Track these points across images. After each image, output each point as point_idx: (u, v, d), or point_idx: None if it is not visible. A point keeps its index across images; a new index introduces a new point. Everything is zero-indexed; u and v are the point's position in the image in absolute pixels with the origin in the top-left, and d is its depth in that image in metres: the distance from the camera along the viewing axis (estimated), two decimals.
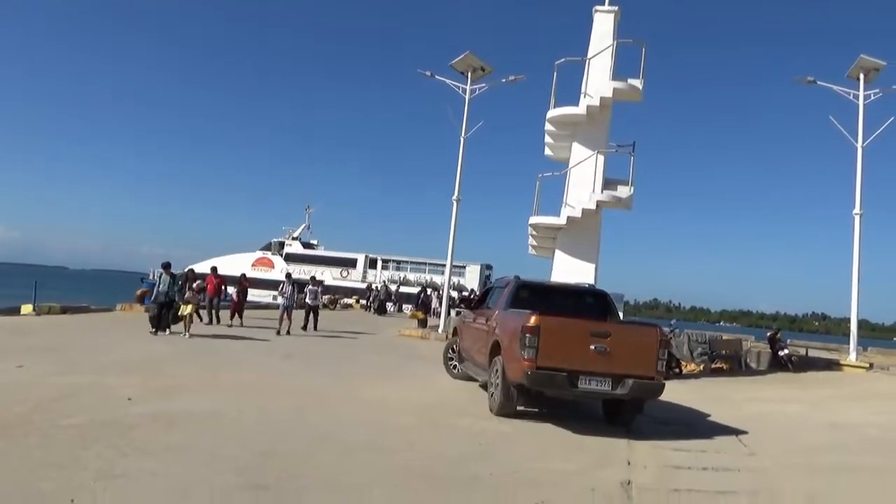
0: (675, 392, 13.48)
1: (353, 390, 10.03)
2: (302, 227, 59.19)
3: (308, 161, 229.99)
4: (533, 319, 8.14)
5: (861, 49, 23.60)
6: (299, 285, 20.57)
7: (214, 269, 20.03)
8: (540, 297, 10.02)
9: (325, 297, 46.31)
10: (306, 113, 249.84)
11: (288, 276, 19.11)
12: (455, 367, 11.96)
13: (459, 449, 6.88)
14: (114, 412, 7.06)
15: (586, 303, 10.45)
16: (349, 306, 40.91)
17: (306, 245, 58.12)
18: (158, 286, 15.25)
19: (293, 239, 57.61)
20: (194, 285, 16.06)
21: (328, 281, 53.39)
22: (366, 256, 55.10)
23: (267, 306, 32.88)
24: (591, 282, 17.14)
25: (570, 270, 17.36)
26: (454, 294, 33.69)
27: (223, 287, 19.32)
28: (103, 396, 7.81)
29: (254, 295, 24.86)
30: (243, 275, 21.03)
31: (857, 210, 21.68)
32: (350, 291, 47.25)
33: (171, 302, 15.00)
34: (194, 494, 4.78)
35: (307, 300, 19.43)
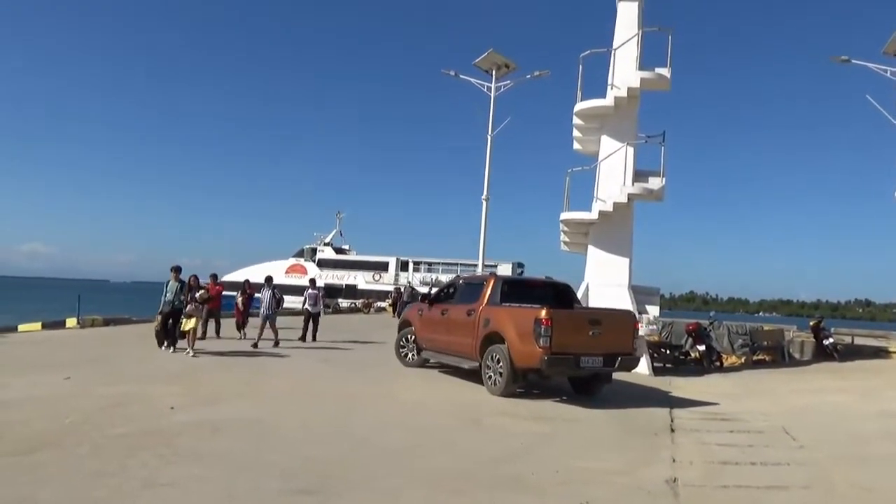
0: (717, 386, 13.26)
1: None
2: (333, 232, 59.81)
3: (338, 166, 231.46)
4: (545, 313, 9.51)
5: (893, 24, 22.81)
6: (324, 292, 18.92)
7: (214, 276, 17.93)
8: (519, 290, 11.40)
9: (359, 301, 47.02)
10: (333, 117, 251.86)
11: (268, 280, 16.34)
12: (407, 355, 12.98)
13: (500, 448, 6.83)
14: (158, 421, 7.19)
15: (555, 294, 11.53)
16: (383, 309, 41.13)
17: (338, 250, 58.65)
18: (165, 294, 13.54)
19: (325, 245, 58.19)
20: (197, 295, 13.69)
21: (361, 285, 53.92)
22: (397, 259, 55.37)
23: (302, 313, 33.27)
24: (626, 276, 16.98)
25: (603, 265, 17.14)
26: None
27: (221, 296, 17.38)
28: (147, 406, 7.96)
29: (290, 302, 23.98)
30: (247, 281, 18.93)
31: None
32: (383, 295, 47.46)
33: (180, 312, 13.37)
34: (240, 499, 4.82)
35: (306, 306, 17.12)
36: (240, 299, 17.65)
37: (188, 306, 13.33)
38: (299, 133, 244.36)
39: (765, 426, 8.83)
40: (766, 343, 18.99)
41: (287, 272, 53.01)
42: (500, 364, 10.06)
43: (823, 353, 19.40)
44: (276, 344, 14.98)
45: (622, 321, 10.67)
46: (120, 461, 5.58)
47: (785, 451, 7.35)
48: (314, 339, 16.66)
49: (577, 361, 9.66)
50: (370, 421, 7.94)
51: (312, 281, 18.06)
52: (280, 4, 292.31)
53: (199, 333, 14.63)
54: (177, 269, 13.82)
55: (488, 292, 11.02)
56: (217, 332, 16.91)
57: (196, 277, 15.38)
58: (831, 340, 20.01)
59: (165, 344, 13.64)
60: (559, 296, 11.55)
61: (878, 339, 24.29)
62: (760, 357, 18.45)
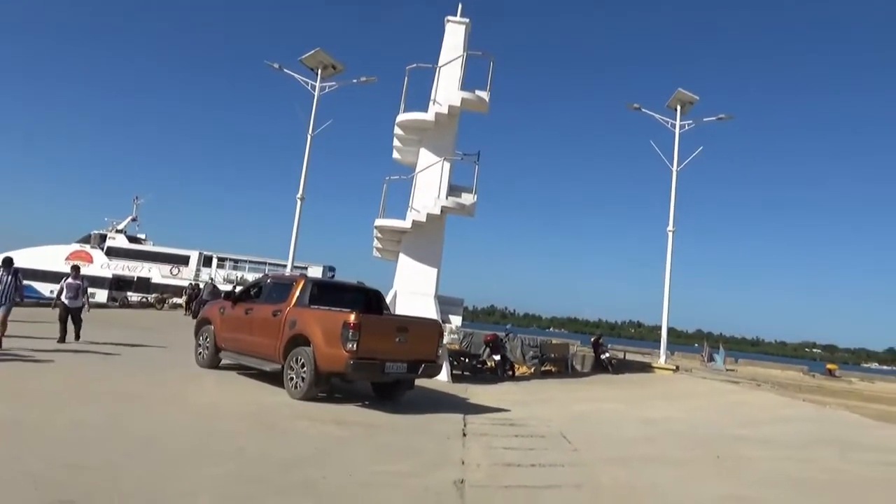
0: (509, 393, 14.09)
1: None
2: (128, 219, 54.76)
3: (140, 151, 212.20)
4: (354, 317, 9.40)
5: (680, 82, 26.21)
6: (88, 283, 15.50)
7: None
8: (328, 293, 11.15)
9: (152, 296, 43.37)
10: (140, 100, 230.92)
11: (8, 261, 12.29)
12: (203, 356, 12.32)
13: (293, 453, 6.62)
14: None
15: (365, 299, 11.57)
16: (179, 306, 38.36)
17: (132, 239, 53.67)
18: None
19: (117, 231, 52.99)
20: None
21: (156, 279, 49.82)
22: (200, 253, 52.04)
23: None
24: (433, 286, 17.47)
25: (413, 274, 17.52)
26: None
27: None
28: None
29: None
30: None
31: (670, 227, 24.08)
32: (181, 290, 44.28)
33: None
34: None
35: (62, 298, 14.08)
36: None
37: None
38: (106, 114, 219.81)
39: (546, 431, 9.52)
40: (553, 355, 20.64)
41: (68, 259, 47.29)
42: (304, 367, 9.81)
43: (601, 366, 21.56)
44: None
45: (428, 330, 10.84)
46: None
47: (562, 453, 7.97)
48: (76, 338, 13.91)
49: (382, 367, 9.69)
50: (153, 424, 7.28)
51: (75, 269, 15.00)
52: None
53: None
54: None
55: (297, 293, 10.71)
56: None
57: None
58: (608, 355, 22.31)
59: None
60: (369, 301, 11.54)
61: (644, 356, 27.60)
62: (548, 368, 20.00)
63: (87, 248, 50.91)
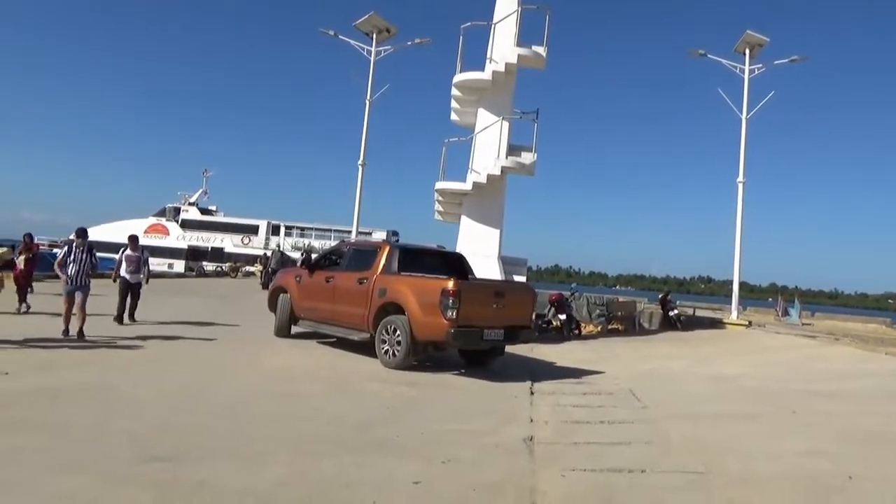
0: (575, 352, 14.08)
1: None
2: (199, 191, 56.69)
3: (206, 123, 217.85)
4: (452, 284, 9.18)
5: (747, 24, 24.93)
6: (149, 254, 14.04)
7: (30, 235, 14.03)
8: (412, 259, 10.84)
9: (226, 265, 45.14)
10: (203, 73, 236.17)
11: (80, 232, 10.94)
12: (279, 323, 12.20)
13: (366, 413, 6.87)
14: None
15: (449, 263, 11.35)
16: (252, 274, 39.80)
17: (204, 211, 55.72)
18: None
19: (190, 204, 55.05)
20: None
21: (228, 248, 51.74)
22: (268, 223, 53.61)
23: (162, 275, 31.46)
24: (496, 247, 17.50)
25: (475, 236, 17.59)
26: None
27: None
28: None
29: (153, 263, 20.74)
30: (28, 235, 14.01)
31: (740, 178, 23.17)
32: (252, 259, 45.85)
33: None
34: (88, 469, 4.50)
35: (123, 273, 12.76)
36: (21, 258, 13.46)
37: None
38: (170, 89, 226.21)
39: (614, 388, 9.51)
40: (620, 313, 20.41)
41: (146, 232, 49.60)
42: (398, 335, 9.62)
43: (669, 324, 21.21)
44: (80, 334, 10.10)
45: (523, 295, 10.64)
46: None
47: (630, 410, 7.97)
48: (132, 318, 12.63)
49: (481, 334, 9.48)
50: (234, 388, 7.69)
51: (133, 239, 13.21)
52: None
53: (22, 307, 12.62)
54: None
55: (382, 260, 10.46)
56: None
57: (30, 235, 13.60)
58: (676, 312, 21.91)
59: None
60: (453, 266, 11.28)
61: (714, 312, 26.94)
62: (615, 326, 19.81)
63: (163, 220, 53.18)
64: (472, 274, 11.72)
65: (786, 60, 23.39)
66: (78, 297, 10.30)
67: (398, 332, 9.62)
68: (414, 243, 12.49)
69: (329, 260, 11.97)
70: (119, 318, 12.37)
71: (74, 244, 10.59)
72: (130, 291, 12.69)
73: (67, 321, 10.27)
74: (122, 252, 13.04)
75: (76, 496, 3.99)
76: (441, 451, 5.56)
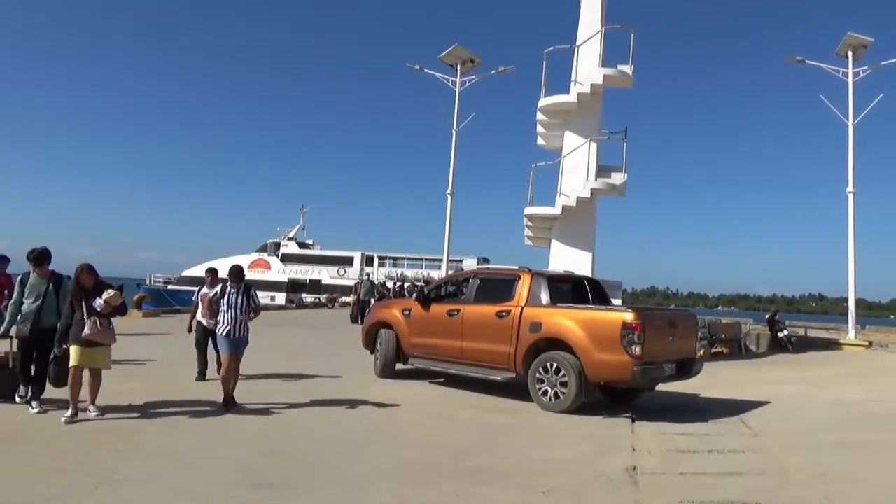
0: None
1: None
2: (297, 227, 59.25)
3: (302, 161, 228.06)
4: (633, 316, 8.25)
5: (848, 27, 23.58)
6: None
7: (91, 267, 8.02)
8: (559, 287, 9.98)
9: (324, 297, 46.63)
10: (292, 113, 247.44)
11: (234, 272, 8.41)
12: (381, 362, 10.96)
13: (464, 441, 6.87)
14: (116, 416, 7.04)
15: (588, 290, 10.55)
16: (347, 304, 40.92)
17: (302, 245, 58.14)
18: (23, 297, 7.29)
19: (289, 239, 57.63)
20: (99, 301, 7.05)
21: (325, 280, 53.55)
22: (362, 254, 55.17)
23: (266, 307, 32.85)
24: (589, 270, 17.17)
25: (566, 259, 17.34)
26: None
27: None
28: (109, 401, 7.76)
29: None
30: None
31: (850, 188, 21.73)
32: (348, 290, 47.19)
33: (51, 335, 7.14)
34: (202, 494, 4.75)
35: (199, 318, 10.10)
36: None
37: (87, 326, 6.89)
38: (259, 129, 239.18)
39: (721, 416, 9.03)
40: (724, 336, 19.46)
41: (250, 267, 52.23)
42: (563, 375, 8.56)
43: (778, 345, 20.00)
44: (232, 402, 8.04)
45: (689, 323, 9.69)
46: (74, 459, 5.45)
47: (741, 439, 7.54)
48: (219, 369, 8.45)
49: (662, 370, 8.56)
50: (340, 417, 7.91)
51: (212, 272, 10.50)
52: (253, 8, 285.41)
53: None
54: (39, 258, 7.38)
55: (525, 290, 9.37)
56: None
57: (90, 267, 7.32)
58: (785, 333, 20.62)
59: (24, 394, 7.42)
60: (594, 292, 10.48)
61: (829, 332, 25.11)
62: (719, 349, 18.89)
63: (265, 255, 55.87)
64: (610, 300, 10.81)
65: (894, 60, 21.87)
66: (237, 352, 8.28)
67: (562, 371, 8.57)
68: (544, 269, 11.56)
69: (447, 291, 10.95)
70: (202, 377, 9.85)
71: (229, 286, 8.28)
72: (212, 340, 9.15)
73: (228, 385, 8.08)
74: (199, 290, 10.37)
75: None
76: (540, 480, 5.47)
